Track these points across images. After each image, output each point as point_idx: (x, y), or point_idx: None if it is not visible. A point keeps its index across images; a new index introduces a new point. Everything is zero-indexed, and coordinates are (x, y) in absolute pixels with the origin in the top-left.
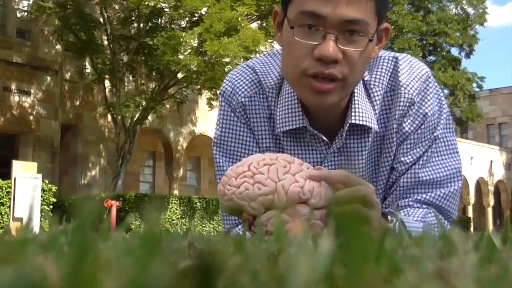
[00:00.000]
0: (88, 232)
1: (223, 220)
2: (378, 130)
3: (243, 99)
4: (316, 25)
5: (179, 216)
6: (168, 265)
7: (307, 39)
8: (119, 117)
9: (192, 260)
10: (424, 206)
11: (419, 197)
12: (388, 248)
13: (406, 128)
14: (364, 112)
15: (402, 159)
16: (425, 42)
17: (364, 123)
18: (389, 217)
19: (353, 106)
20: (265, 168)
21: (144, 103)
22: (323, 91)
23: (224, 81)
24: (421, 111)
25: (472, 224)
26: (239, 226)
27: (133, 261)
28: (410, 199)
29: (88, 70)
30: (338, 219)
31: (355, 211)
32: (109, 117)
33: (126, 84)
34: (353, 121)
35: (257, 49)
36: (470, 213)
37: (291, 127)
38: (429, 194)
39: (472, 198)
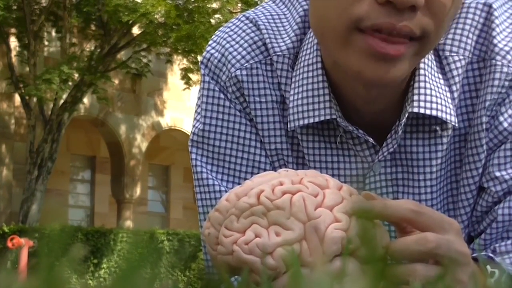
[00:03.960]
0: None
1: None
2: (457, 125)
3: (238, 72)
4: None
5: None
6: None
7: None
8: (34, 99)
9: None
10: None
11: None
12: None
13: (505, 124)
14: (435, 96)
15: (498, 174)
16: None
17: (435, 113)
18: (488, 267)
19: (417, 85)
20: (285, 198)
21: (76, 76)
22: (389, 56)
23: (210, 42)
24: None
25: None
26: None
27: None
28: None
29: None
30: None
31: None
32: (17, 98)
33: (46, 43)
34: (415, 110)
35: None
36: None
37: (311, 121)
38: None
39: None
